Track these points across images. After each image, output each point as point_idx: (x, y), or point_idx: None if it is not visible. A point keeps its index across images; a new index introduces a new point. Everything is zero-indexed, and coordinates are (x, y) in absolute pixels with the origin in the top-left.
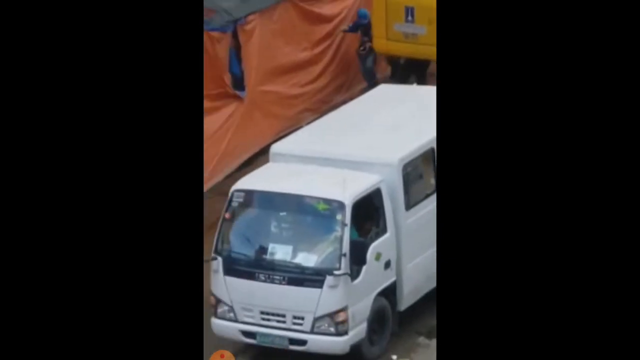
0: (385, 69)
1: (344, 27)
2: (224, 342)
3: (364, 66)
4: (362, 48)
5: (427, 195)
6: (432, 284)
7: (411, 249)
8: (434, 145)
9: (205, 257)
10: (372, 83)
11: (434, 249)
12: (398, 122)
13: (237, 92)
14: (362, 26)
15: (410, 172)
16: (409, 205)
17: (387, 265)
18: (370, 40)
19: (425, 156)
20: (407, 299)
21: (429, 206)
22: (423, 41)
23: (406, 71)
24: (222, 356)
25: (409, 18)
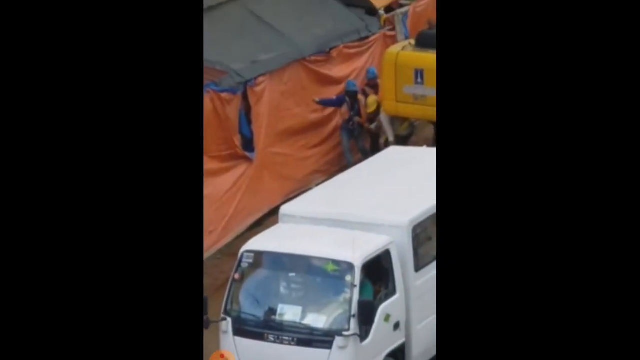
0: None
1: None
2: None
3: (348, 142)
4: (350, 123)
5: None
6: None
7: (420, 311)
8: None
9: (210, 318)
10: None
11: None
12: (407, 184)
13: (247, 154)
14: (350, 95)
15: (420, 234)
16: (418, 267)
17: (397, 326)
18: (358, 115)
19: (434, 218)
20: None
21: None
22: (432, 103)
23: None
24: (222, 356)
25: (419, 80)
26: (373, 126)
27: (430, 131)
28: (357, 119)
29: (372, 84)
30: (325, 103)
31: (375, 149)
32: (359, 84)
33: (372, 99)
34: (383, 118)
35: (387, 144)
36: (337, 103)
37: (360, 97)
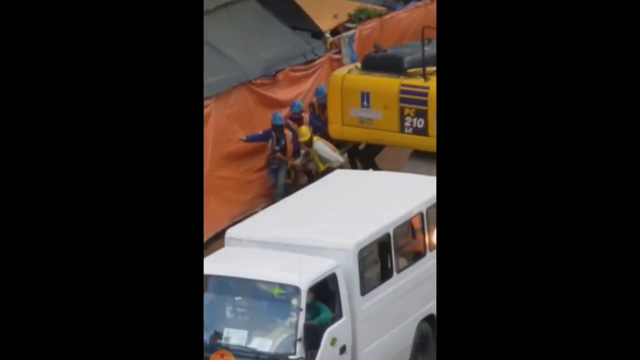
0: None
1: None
2: None
3: (275, 180)
4: (272, 157)
5: (383, 280)
6: None
7: (367, 334)
8: (391, 230)
9: None
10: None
11: (390, 334)
12: (354, 208)
13: None
14: (276, 129)
15: (366, 257)
16: (364, 290)
17: (343, 350)
18: (282, 151)
19: (381, 241)
20: None
21: (385, 291)
22: (378, 126)
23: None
24: (222, 356)
25: (365, 103)
26: (297, 161)
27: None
28: (278, 154)
29: (297, 117)
30: (252, 139)
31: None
32: (303, 106)
33: (304, 128)
34: (319, 147)
35: (321, 174)
36: (263, 138)
37: (287, 131)
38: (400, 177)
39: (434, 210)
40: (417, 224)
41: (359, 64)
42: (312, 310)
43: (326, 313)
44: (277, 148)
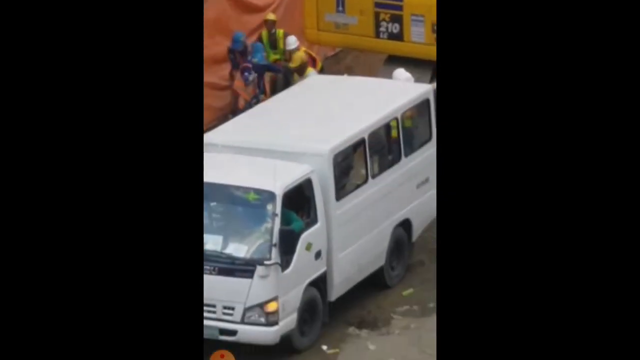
0: None
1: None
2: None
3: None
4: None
5: (358, 186)
6: (363, 274)
7: (342, 240)
8: (366, 135)
9: None
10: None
11: (365, 239)
12: (329, 113)
13: None
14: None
15: (341, 163)
16: (339, 196)
17: (318, 255)
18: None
19: (356, 146)
20: (337, 289)
21: (360, 197)
22: (354, 31)
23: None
24: (222, 356)
25: (340, 8)
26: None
27: (351, 61)
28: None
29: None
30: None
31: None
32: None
33: (300, 53)
34: None
35: None
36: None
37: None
38: (375, 83)
39: (409, 115)
40: (392, 129)
41: None
42: (283, 219)
43: (298, 222)
44: (258, 91)
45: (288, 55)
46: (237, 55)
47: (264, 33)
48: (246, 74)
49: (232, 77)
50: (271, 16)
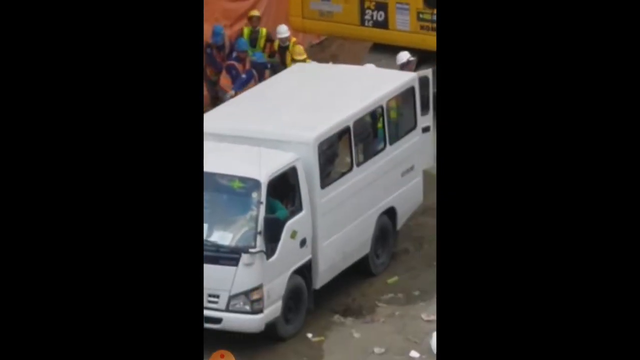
0: None
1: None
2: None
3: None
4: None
5: (343, 174)
6: (348, 262)
7: (327, 227)
8: (350, 123)
9: None
10: None
11: (350, 227)
12: (314, 101)
13: None
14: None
15: (326, 151)
16: (324, 184)
17: (303, 243)
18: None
19: (341, 134)
20: (322, 277)
21: (345, 184)
22: (338, 19)
23: None
24: (222, 356)
25: None
26: None
27: (336, 49)
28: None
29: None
30: (240, 86)
31: None
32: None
33: (301, 47)
34: None
35: None
36: (248, 80)
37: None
38: (360, 71)
39: (394, 103)
40: (377, 116)
41: None
42: (268, 207)
43: (282, 210)
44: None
45: (282, 43)
46: (214, 50)
47: (246, 29)
48: (233, 71)
49: (206, 72)
50: (255, 12)
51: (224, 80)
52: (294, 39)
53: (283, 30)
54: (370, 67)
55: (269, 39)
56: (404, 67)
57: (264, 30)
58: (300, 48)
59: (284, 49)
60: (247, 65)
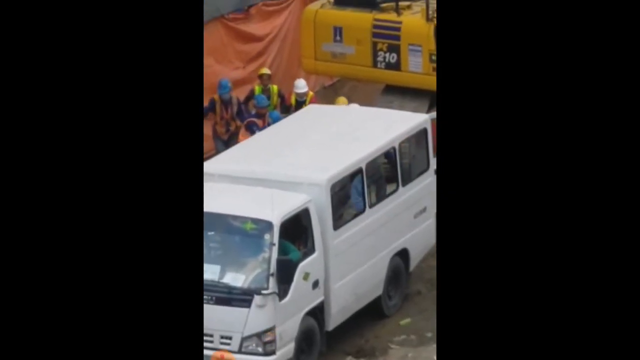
0: None
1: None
2: None
3: None
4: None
5: (356, 215)
6: (361, 303)
7: (339, 269)
8: (363, 165)
9: None
10: None
11: (362, 268)
12: (327, 142)
13: None
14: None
15: (339, 192)
16: (336, 225)
17: (316, 284)
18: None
19: (354, 176)
20: (335, 318)
21: (358, 226)
22: (351, 61)
23: None
24: (222, 356)
25: (338, 38)
26: None
27: (348, 91)
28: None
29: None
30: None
31: None
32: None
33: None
34: None
35: None
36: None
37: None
38: (372, 112)
39: (406, 145)
40: (389, 158)
41: None
42: (281, 249)
43: (295, 252)
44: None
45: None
46: (219, 103)
47: (257, 87)
48: (254, 128)
49: (215, 130)
50: (266, 70)
51: (243, 136)
52: (311, 93)
53: (301, 85)
54: (354, 107)
55: (281, 95)
56: None
57: (275, 88)
58: (301, 82)
59: (300, 103)
60: (267, 121)
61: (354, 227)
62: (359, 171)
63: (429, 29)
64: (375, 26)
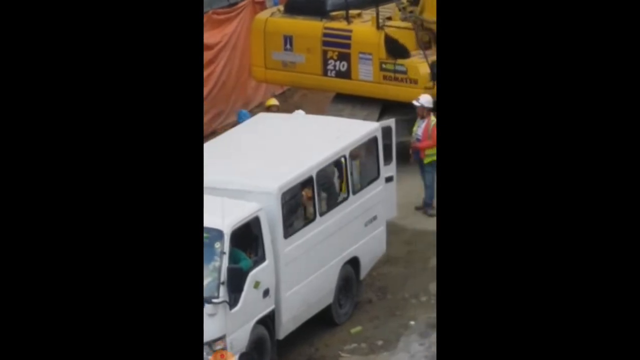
0: None
1: None
2: None
3: None
4: None
5: (306, 224)
6: (311, 312)
7: (290, 277)
8: (314, 173)
9: None
10: None
11: (313, 276)
12: (277, 151)
13: None
14: None
15: (289, 201)
16: (287, 234)
17: (266, 293)
18: None
19: (304, 184)
20: (285, 327)
21: (309, 234)
22: (301, 69)
23: None
24: (222, 356)
25: (288, 46)
26: None
27: (299, 99)
28: None
29: None
30: None
31: None
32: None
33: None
34: None
35: None
36: None
37: None
38: (323, 121)
39: (357, 153)
40: (340, 166)
41: (281, 7)
42: (231, 258)
43: (246, 261)
44: None
45: None
46: None
47: None
48: None
49: None
50: (274, 102)
51: None
52: None
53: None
54: (299, 114)
55: None
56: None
57: None
58: (270, 100)
59: None
60: None
61: (305, 236)
62: (309, 179)
63: (379, 38)
64: (325, 34)
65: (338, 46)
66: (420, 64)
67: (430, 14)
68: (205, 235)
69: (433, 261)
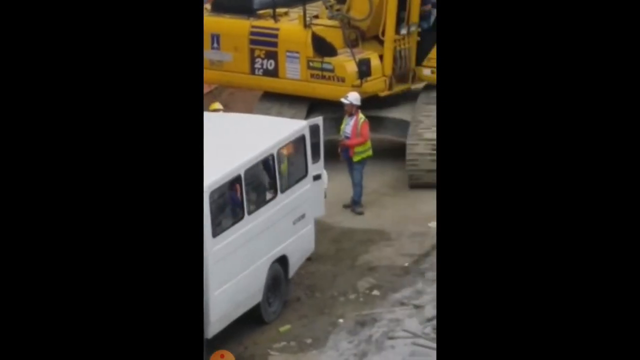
0: None
1: None
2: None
3: None
4: None
5: (235, 222)
6: (240, 310)
7: (218, 276)
8: (242, 172)
9: None
10: None
11: (241, 275)
12: (205, 150)
13: None
14: None
15: (218, 199)
16: (216, 232)
17: None
18: None
19: (232, 183)
20: (214, 326)
21: (237, 233)
22: (229, 68)
23: None
24: (222, 356)
25: (215, 45)
26: None
27: (226, 98)
28: None
29: None
30: None
31: None
32: None
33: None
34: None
35: None
36: None
37: None
38: (251, 119)
39: (285, 151)
40: (268, 165)
41: (208, 6)
42: None
43: None
44: None
45: None
46: None
47: None
48: None
49: None
50: (217, 106)
51: None
52: None
53: None
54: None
55: None
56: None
57: None
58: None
59: None
60: None
61: (233, 234)
62: (237, 178)
63: (307, 36)
64: (252, 33)
65: (265, 45)
66: (348, 62)
67: (357, 12)
68: None
69: (361, 259)
